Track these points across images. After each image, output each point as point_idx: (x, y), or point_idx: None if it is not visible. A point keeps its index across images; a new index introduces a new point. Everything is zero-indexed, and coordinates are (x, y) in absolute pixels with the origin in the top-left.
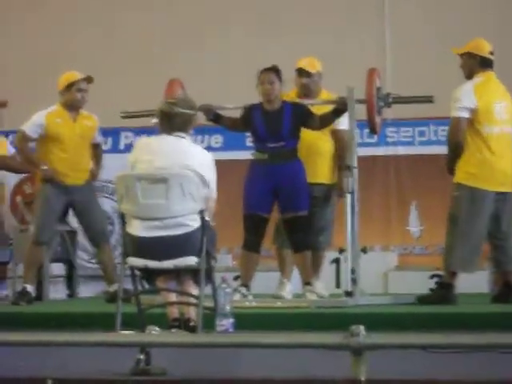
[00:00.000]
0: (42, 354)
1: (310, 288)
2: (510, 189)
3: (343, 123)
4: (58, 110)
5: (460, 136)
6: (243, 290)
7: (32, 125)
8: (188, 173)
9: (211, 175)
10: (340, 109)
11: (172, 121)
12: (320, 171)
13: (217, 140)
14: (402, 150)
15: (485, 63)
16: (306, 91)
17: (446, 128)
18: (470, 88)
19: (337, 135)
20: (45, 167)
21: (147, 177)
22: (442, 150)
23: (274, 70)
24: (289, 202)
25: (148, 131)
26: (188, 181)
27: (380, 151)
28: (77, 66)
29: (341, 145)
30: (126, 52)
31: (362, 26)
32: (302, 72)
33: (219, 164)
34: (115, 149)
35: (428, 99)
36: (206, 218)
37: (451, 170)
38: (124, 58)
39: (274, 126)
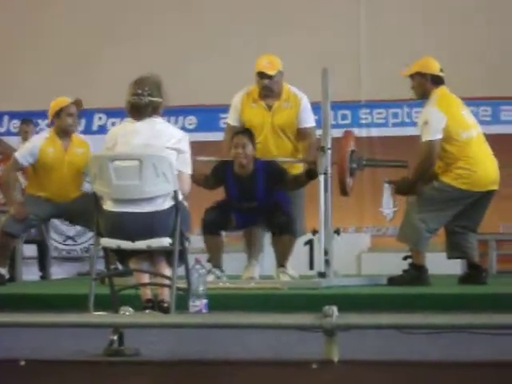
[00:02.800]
0: (14, 335)
1: (283, 270)
2: (492, 187)
3: (308, 121)
4: (51, 137)
5: (434, 159)
6: (217, 271)
7: (26, 153)
8: (161, 153)
9: (187, 148)
10: (313, 171)
11: (142, 111)
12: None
13: (190, 121)
14: (375, 132)
15: (436, 80)
16: (268, 92)
17: (420, 109)
18: (433, 107)
19: (303, 133)
20: (16, 205)
21: (120, 157)
22: (416, 131)
23: (247, 133)
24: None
25: (121, 112)
26: (161, 161)
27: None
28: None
29: (309, 140)
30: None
31: (337, 16)
32: (262, 75)
33: (193, 145)
34: (88, 130)
35: (402, 164)
36: (180, 199)
37: (410, 191)
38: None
39: (247, 191)
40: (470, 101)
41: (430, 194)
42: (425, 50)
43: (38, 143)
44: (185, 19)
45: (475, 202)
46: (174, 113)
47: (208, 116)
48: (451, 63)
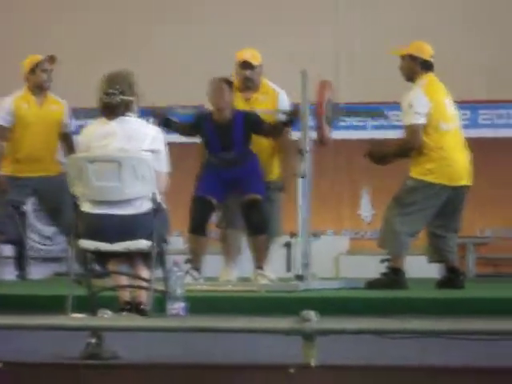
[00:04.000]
0: None
1: (261, 272)
2: (465, 182)
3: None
4: (24, 94)
5: (418, 143)
6: (194, 273)
7: (3, 113)
8: (140, 155)
9: (162, 147)
10: (290, 119)
11: (114, 110)
12: (265, 168)
13: None
14: (354, 135)
15: (426, 66)
16: (249, 83)
17: (399, 113)
18: (419, 92)
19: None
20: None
21: (100, 159)
22: (395, 134)
23: (225, 80)
24: (246, 186)
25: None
26: (141, 163)
27: (332, 135)
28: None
29: (283, 138)
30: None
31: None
32: (245, 65)
33: (172, 147)
34: None
35: (379, 114)
36: (159, 201)
37: (381, 161)
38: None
39: (225, 137)
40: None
41: (407, 197)
42: None
43: (12, 99)
44: None
45: (451, 200)
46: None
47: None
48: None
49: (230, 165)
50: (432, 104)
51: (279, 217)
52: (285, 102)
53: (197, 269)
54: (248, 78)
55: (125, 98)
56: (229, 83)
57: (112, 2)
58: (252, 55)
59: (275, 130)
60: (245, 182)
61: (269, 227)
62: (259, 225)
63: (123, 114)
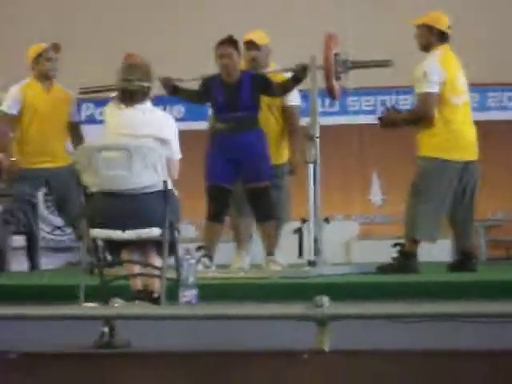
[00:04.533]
0: (3, 328)
1: (272, 258)
2: (474, 157)
3: (293, 99)
4: (30, 82)
5: (433, 111)
6: (206, 260)
7: (10, 101)
8: (151, 143)
9: (172, 136)
10: (299, 76)
11: (131, 96)
12: (272, 153)
13: (178, 110)
14: (363, 119)
15: (442, 37)
16: (255, 64)
17: (408, 97)
18: (435, 62)
19: (287, 112)
20: (12, 159)
21: (109, 148)
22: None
23: (231, 42)
24: (251, 173)
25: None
26: (151, 152)
27: (342, 120)
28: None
29: (292, 121)
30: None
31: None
32: (251, 45)
33: (180, 135)
34: None
35: (386, 63)
36: (169, 188)
37: (391, 126)
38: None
39: (233, 97)
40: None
41: (422, 183)
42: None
43: (19, 87)
44: None
45: (465, 178)
46: (161, 102)
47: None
48: None
49: (238, 129)
50: (447, 76)
51: (288, 202)
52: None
53: (209, 256)
54: (254, 58)
55: (143, 84)
56: (234, 44)
57: None
58: (258, 36)
59: (284, 88)
60: (252, 167)
61: (277, 213)
62: (267, 211)
63: (141, 101)
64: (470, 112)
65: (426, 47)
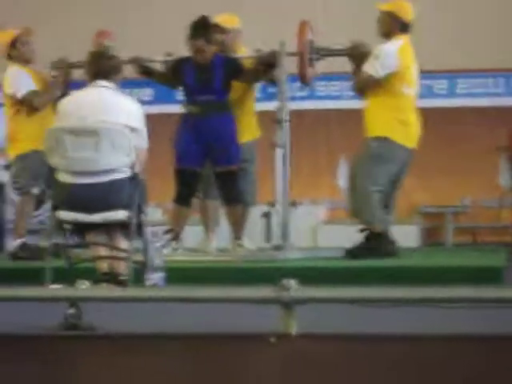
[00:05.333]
0: None
1: (239, 242)
2: (416, 146)
3: None
4: (19, 67)
5: (364, 93)
6: (174, 243)
7: (27, 80)
8: (118, 125)
9: (141, 125)
10: (271, 62)
11: (101, 62)
12: (244, 130)
13: (147, 93)
14: (330, 105)
15: (404, 27)
16: (223, 48)
17: None
18: (393, 50)
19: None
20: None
21: (77, 130)
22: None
23: (201, 34)
24: (220, 156)
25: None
26: (119, 134)
27: (309, 105)
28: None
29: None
30: None
31: None
32: (217, 28)
33: (149, 118)
34: None
35: (361, 46)
36: (137, 172)
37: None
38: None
39: (204, 79)
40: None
41: (372, 162)
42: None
43: (23, 71)
44: None
45: (405, 164)
46: (129, 85)
47: (164, 88)
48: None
49: (208, 113)
50: (402, 66)
51: (254, 185)
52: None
53: (176, 239)
54: (221, 41)
55: (115, 55)
56: (204, 33)
57: None
58: (225, 19)
59: (256, 74)
60: (220, 150)
61: (244, 196)
62: (235, 195)
63: (106, 75)
64: (416, 105)
65: (386, 34)
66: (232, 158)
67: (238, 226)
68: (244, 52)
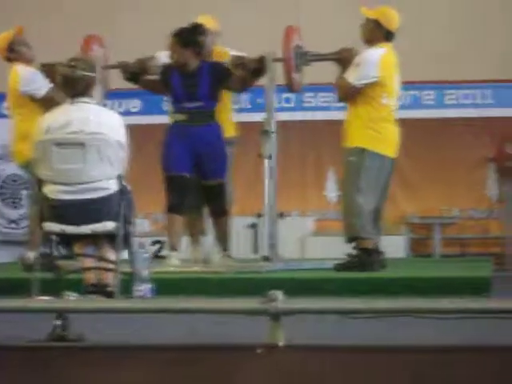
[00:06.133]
0: None
1: (227, 253)
2: (395, 155)
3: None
4: (32, 67)
5: (346, 100)
6: (173, 254)
7: (43, 79)
8: (105, 137)
9: (123, 136)
10: (259, 68)
11: (75, 85)
12: (224, 127)
13: (134, 104)
14: (319, 115)
15: (388, 36)
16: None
17: None
18: (375, 59)
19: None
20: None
21: (64, 141)
22: None
23: (178, 35)
24: (209, 169)
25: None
26: (105, 145)
27: (297, 116)
28: None
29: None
30: None
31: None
32: (200, 30)
33: (137, 129)
34: None
35: (348, 51)
36: (124, 183)
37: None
38: None
39: (191, 86)
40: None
41: (359, 175)
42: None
43: (33, 69)
44: None
45: (389, 175)
46: (117, 96)
47: (152, 99)
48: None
49: (195, 121)
50: (383, 76)
51: (230, 186)
52: (236, 52)
53: (175, 249)
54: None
55: (86, 73)
56: (180, 37)
57: None
58: (203, 20)
59: (243, 82)
60: (208, 163)
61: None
62: (222, 207)
63: (82, 93)
64: (396, 113)
65: (370, 41)
66: (220, 170)
67: (225, 238)
68: (218, 50)
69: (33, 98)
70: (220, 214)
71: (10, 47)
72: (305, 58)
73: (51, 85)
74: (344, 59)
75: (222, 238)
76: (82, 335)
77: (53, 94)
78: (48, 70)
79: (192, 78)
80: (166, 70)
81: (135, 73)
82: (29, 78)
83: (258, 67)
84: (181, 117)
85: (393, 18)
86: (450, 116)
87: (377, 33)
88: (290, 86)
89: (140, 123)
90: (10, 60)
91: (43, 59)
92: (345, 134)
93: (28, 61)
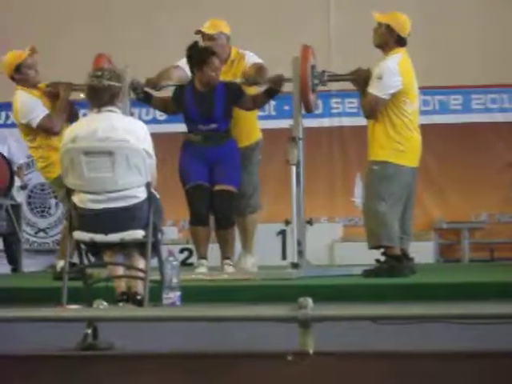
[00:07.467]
0: None
1: (228, 262)
2: (418, 164)
3: (253, 58)
4: (27, 92)
5: (375, 115)
6: (203, 262)
7: (39, 105)
8: (131, 145)
9: (151, 146)
10: (273, 89)
11: (100, 95)
12: (242, 134)
13: (161, 113)
14: (346, 121)
15: (400, 42)
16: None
17: None
18: (394, 66)
19: (252, 68)
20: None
21: (93, 150)
22: None
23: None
24: (220, 176)
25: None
26: (133, 153)
27: (325, 122)
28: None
29: (260, 65)
30: None
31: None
32: (203, 35)
33: (164, 136)
34: None
35: (363, 72)
36: (152, 191)
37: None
38: None
39: (205, 108)
40: None
41: (383, 188)
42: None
43: (30, 96)
44: None
45: (414, 183)
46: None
47: None
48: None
49: (210, 142)
50: (404, 82)
51: (258, 191)
52: (253, 57)
53: (204, 258)
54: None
55: (112, 83)
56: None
57: None
58: (210, 25)
59: (257, 102)
60: (221, 171)
61: (251, 201)
62: (227, 218)
63: (108, 103)
64: (418, 119)
65: (381, 46)
66: (231, 179)
67: (228, 248)
68: (233, 53)
69: (32, 127)
70: (224, 224)
71: (18, 68)
72: (321, 78)
73: (46, 112)
74: (360, 79)
75: (227, 247)
76: (113, 344)
77: (46, 123)
78: (53, 88)
79: (207, 99)
80: (181, 89)
81: (146, 92)
82: (26, 110)
83: (274, 88)
84: (195, 138)
85: (404, 23)
86: (477, 120)
87: (388, 37)
88: (305, 107)
89: (167, 131)
90: (14, 80)
91: (54, 77)
92: (369, 146)
93: (32, 85)
